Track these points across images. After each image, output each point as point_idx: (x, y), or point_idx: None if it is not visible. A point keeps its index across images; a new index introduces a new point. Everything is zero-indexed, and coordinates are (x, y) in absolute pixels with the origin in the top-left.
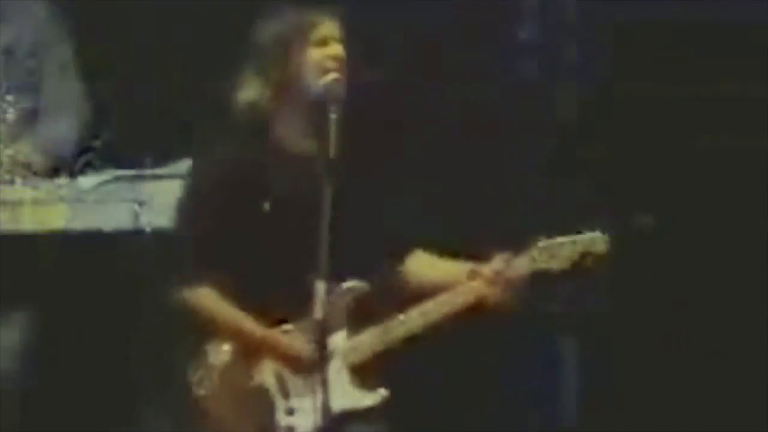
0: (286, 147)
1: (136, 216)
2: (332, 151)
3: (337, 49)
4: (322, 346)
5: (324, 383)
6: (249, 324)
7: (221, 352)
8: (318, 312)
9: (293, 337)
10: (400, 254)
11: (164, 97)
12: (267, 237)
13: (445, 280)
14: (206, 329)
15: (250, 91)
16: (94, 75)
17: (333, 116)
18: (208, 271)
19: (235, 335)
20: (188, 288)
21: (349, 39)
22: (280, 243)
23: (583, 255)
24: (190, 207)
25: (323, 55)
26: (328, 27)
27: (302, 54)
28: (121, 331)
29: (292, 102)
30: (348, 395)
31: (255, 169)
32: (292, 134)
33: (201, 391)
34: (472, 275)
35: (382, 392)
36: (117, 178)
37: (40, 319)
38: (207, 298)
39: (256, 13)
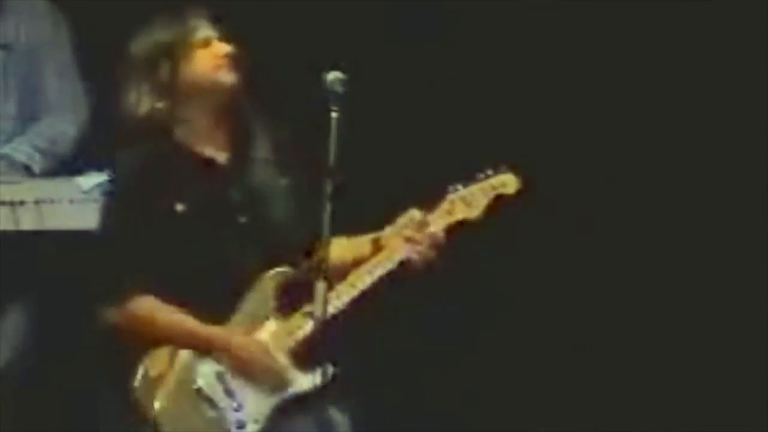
0: (192, 149)
1: None
2: (333, 148)
3: (221, 46)
4: (322, 342)
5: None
6: (198, 326)
7: (159, 364)
8: (318, 309)
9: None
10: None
11: None
12: (180, 238)
13: (353, 257)
14: (147, 338)
15: (142, 103)
16: (94, 75)
17: (334, 115)
18: (135, 276)
19: (184, 338)
20: (122, 297)
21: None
22: (196, 244)
23: (497, 198)
24: (110, 214)
25: (210, 54)
26: (205, 29)
27: (188, 58)
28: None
29: (189, 105)
30: (294, 380)
31: (165, 172)
32: (196, 136)
33: (147, 408)
34: (376, 243)
35: (329, 370)
36: None
37: (40, 319)
38: (150, 305)
39: (253, 14)
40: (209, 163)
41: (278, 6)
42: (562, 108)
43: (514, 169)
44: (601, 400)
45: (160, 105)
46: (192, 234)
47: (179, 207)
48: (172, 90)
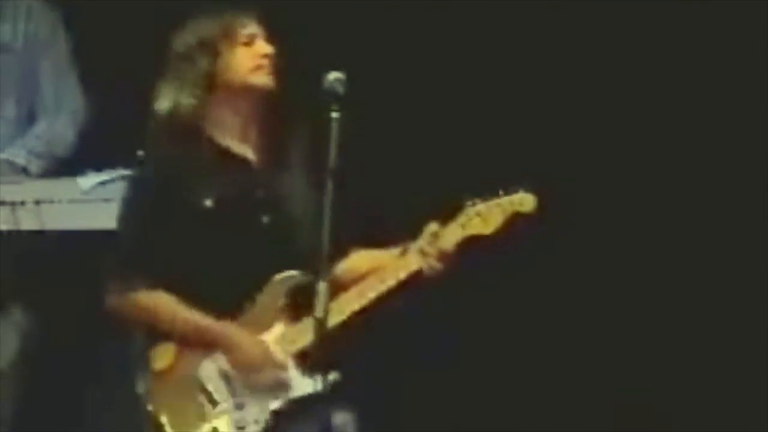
0: (222, 145)
1: None
2: (334, 148)
3: (264, 46)
4: (321, 344)
5: (323, 378)
6: (202, 319)
7: (163, 357)
8: (318, 311)
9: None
10: (340, 249)
11: None
12: (207, 235)
13: (378, 266)
14: (151, 330)
15: (173, 97)
16: (93, 74)
17: (334, 115)
18: (150, 271)
19: (187, 331)
20: (131, 289)
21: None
22: (220, 241)
23: (513, 215)
24: (132, 208)
25: (252, 53)
26: (252, 26)
27: (230, 54)
28: (121, 332)
29: (223, 102)
30: (297, 384)
31: (193, 168)
32: (226, 133)
33: (149, 401)
34: (403, 254)
35: (332, 377)
36: (117, 178)
37: (39, 319)
38: (158, 299)
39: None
40: (238, 159)
41: (279, 6)
42: (569, 114)
43: (534, 185)
44: (601, 410)
45: (194, 100)
46: (216, 230)
47: (207, 203)
48: (208, 85)
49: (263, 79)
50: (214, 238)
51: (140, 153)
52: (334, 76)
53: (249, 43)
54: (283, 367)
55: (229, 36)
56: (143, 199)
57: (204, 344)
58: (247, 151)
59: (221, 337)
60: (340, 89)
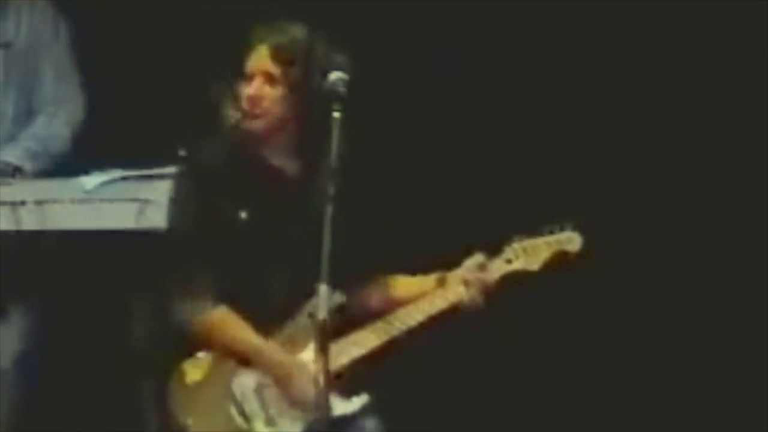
0: (261, 157)
1: (139, 216)
2: (334, 150)
3: (252, 89)
4: (323, 347)
5: (325, 384)
6: (272, 355)
7: (197, 370)
8: (320, 313)
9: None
10: (376, 270)
11: (167, 95)
12: (239, 246)
13: (419, 293)
14: (217, 349)
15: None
16: (95, 73)
17: (336, 115)
18: (200, 277)
19: (254, 362)
20: (200, 302)
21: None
22: (250, 253)
23: (558, 254)
24: (182, 209)
25: (245, 94)
26: (259, 57)
27: (243, 85)
28: (122, 332)
29: None
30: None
31: (235, 177)
32: (266, 146)
33: (180, 411)
34: (440, 282)
35: (363, 399)
36: (119, 178)
37: (40, 320)
38: (228, 321)
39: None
40: (278, 173)
41: (280, 6)
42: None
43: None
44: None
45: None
46: (250, 243)
47: (243, 215)
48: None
49: (249, 125)
50: (248, 250)
51: (182, 152)
52: (335, 75)
53: (250, 78)
54: (320, 393)
55: (242, 64)
56: (192, 201)
57: (247, 353)
58: (288, 163)
59: (264, 357)
60: (342, 89)
